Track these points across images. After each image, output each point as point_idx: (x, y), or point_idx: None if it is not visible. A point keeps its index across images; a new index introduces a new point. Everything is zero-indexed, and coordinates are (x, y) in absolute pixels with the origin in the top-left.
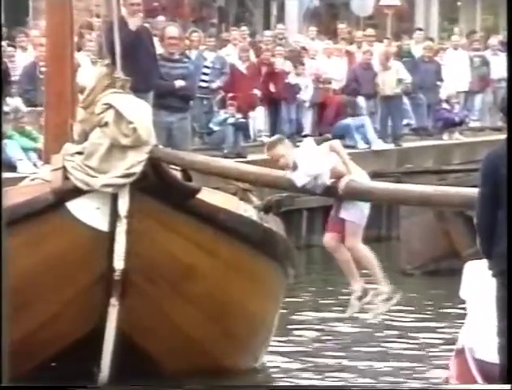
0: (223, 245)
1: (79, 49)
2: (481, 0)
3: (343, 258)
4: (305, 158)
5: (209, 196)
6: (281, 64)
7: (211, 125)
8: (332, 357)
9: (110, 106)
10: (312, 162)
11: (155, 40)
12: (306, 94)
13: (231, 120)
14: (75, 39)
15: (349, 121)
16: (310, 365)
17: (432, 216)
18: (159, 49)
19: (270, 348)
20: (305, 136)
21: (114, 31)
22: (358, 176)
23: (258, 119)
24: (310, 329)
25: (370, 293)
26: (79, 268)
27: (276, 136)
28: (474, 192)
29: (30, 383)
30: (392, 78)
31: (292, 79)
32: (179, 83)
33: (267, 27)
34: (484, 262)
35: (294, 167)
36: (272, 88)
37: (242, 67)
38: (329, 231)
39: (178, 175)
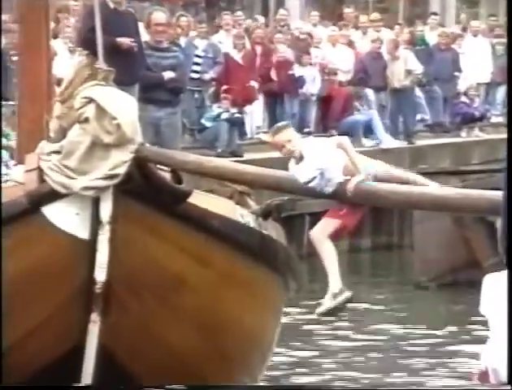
0: (217, 254)
1: (55, 36)
2: None
3: (329, 253)
4: (312, 150)
5: (201, 199)
6: (285, 52)
7: (203, 121)
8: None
9: (90, 100)
10: (321, 154)
11: (141, 26)
12: (313, 87)
13: (225, 115)
14: (51, 25)
15: (357, 117)
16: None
17: (450, 222)
18: (145, 37)
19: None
20: (309, 133)
21: (95, 16)
22: (376, 166)
23: (256, 113)
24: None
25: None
26: (56, 280)
27: (283, 122)
28: (499, 195)
29: (30, 383)
30: (400, 69)
31: (297, 70)
32: (167, 74)
33: (265, 12)
34: (506, 274)
35: (300, 158)
36: (274, 78)
37: (237, 56)
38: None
39: (167, 176)
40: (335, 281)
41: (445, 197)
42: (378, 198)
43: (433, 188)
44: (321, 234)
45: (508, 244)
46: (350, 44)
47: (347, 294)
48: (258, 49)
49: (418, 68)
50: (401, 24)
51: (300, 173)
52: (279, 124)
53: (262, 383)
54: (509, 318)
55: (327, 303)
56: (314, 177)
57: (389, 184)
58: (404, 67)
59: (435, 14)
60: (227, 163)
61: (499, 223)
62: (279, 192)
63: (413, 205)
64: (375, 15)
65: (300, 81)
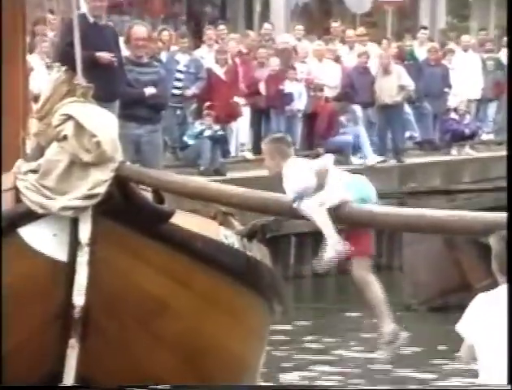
0: (200, 277)
1: (31, 51)
2: None
3: (375, 292)
4: (291, 171)
5: (184, 220)
6: (276, 65)
7: (185, 138)
8: None
9: (69, 117)
10: (298, 176)
11: (121, 40)
12: (300, 103)
13: (207, 133)
14: (27, 39)
15: (345, 138)
16: None
17: (440, 243)
18: (126, 52)
19: None
20: (294, 150)
21: (73, 30)
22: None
23: (240, 131)
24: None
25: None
26: (33, 304)
27: (280, 134)
28: (495, 217)
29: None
30: (392, 84)
31: (287, 86)
32: (149, 90)
33: (250, 26)
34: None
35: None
36: (263, 92)
37: (220, 71)
38: (357, 255)
39: (148, 196)
40: (387, 325)
41: (442, 219)
42: (374, 221)
43: (429, 211)
44: (363, 271)
45: (508, 244)
46: (337, 59)
47: (403, 335)
48: (238, 61)
49: (410, 84)
50: (388, 39)
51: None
52: (278, 134)
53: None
54: (509, 318)
55: (386, 350)
56: (296, 197)
57: (382, 206)
58: (397, 82)
59: (425, 28)
60: (211, 184)
61: (492, 240)
62: (266, 214)
63: (411, 227)
64: (362, 30)
65: (289, 97)
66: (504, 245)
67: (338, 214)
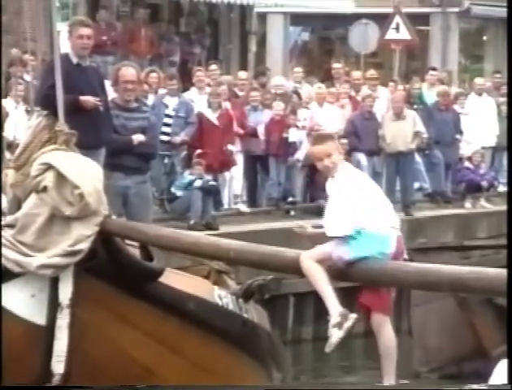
0: (192, 342)
1: (6, 95)
2: None
3: (389, 344)
4: (354, 181)
5: (174, 279)
6: (280, 110)
7: (174, 189)
8: None
9: (49, 167)
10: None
11: (106, 83)
12: (301, 152)
13: (198, 183)
14: (2, 81)
15: None
16: None
17: (453, 304)
18: (112, 95)
19: None
20: (294, 203)
21: (55, 72)
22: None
23: (234, 181)
24: None
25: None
26: (8, 371)
27: (326, 131)
28: None
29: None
30: (407, 130)
31: (292, 134)
32: (137, 137)
33: (244, 66)
34: None
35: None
36: (261, 137)
37: (212, 116)
38: (374, 307)
39: (136, 253)
40: (389, 380)
41: (462, 277)
42: (391, 279)
43: (448, 267)
44: (382, 318)
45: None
46: (352, 101)
47: (352, 316)
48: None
49: (423, 130)
50: (395, 81)
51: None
52: (322, 133)
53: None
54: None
55: (336, 335)
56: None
57: (400, 261)
58: (412, 128)
59: (434, 69)
60: (206, 238)
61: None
62: (265, 270)
63: (430, 285)
64: (372, 73)
65: (292, 146)
66: None
67: (349, 272)
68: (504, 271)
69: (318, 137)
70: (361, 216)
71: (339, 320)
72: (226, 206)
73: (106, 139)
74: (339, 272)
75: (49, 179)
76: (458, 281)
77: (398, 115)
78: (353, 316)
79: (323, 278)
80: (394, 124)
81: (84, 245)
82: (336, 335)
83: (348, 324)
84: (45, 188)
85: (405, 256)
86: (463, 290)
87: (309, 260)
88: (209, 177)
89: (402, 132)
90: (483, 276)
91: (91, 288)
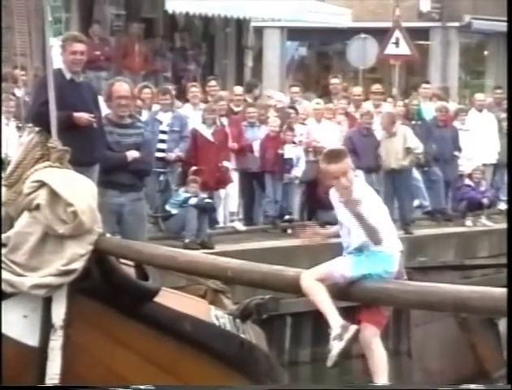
0: (188, 363)
1: None
2: None
3: (380, 361)
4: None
5: (170, 299)
6: (276, 126)
7: (168, 207)
8: None
9: (42, 184)
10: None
11: (100, 99)
12: (298, 169)
13: (193, 201)
14: None
15: None
16: None
17: (453, 325)
18: (106, 111)
19: None
20: (291, 221)
21: (48, 87)
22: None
23: (229, 198)
24: None
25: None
26: None
27: (339, 147)
28: None
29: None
30: (397, 147)
31: (288, 150)
32: (131, 154)
33: (240, 82)
34: None
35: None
36: (256, 154)
37: (207, 132)
38: (366, 322)
39: (131, 272)
40: (334, 322)
41: (465, 297)
42: (391, 298)
43: (450, 286)
44: (372, 331)
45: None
46: (350, 118)
47: (353, 327)
48: (226, 121)
49: (418, 146)
50: (394, 97)
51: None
52: (336, 148)
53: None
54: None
55: (336, 346)
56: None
57: (400, 281)
58: (403, 144)
59: (427, 82)
60: (203, 257)
61: (502, 324)
62: (264, 289)
63: (431, 305)
64: (377, 87)
65: (289, 163)
66: None
67: (350, 291)
68: (508, 291)
69: (333, 155)
70: None
71: (339, 332)
72: (221, 225)
73: (100, 156)
74: (338, 291)
75: (42, 196)
76: (461, 301)
77: (389, 132)
78: (354, 327)
79: (324, 293)
80: (387, 141)
81: (78, 265)
82: (336, 347)
83: (348, 335)
84: (37, 206)
85: (405, 276)
86: (466, 310)
87: (309, 278)
88: (204, 195)
89: (393, 148)
90: (486, 296)
91: (85, 308)
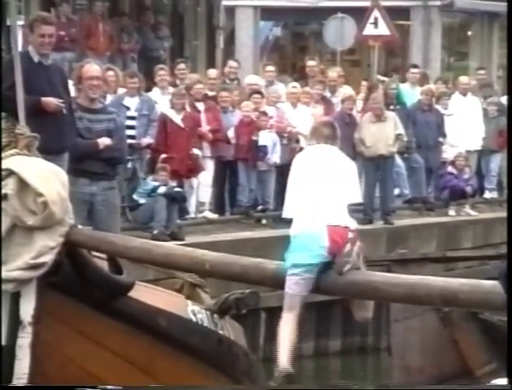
0: (164, 361)
1: None
2: (499, 29)
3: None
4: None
5: (145, 293)
6: (249, 110)
7: (136, 196)
8: None
9: (10, 173)
10: None
11: (70, 83)
12: (275, 156)
13: (162, 190)
14: None
15: None
16: None
17: (435, 319)
18: (76, 96)
19: None
20: (264, 210)
21: (15, 70)
22: None
23: (201, 188)
24: None
25: None
26: None
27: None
28: None
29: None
30: (389, 133)
31: (262, 137)
32: (103, 141)
33: (211, 64)
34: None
35: None
36: (232, 142)
37: (177, 117)
38: None
39: (104, 265)
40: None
41: (454, 290)
42: (378, 292)
43: (438, 279)
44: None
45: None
46: (326, 102)
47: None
48: (201, 107)
49: (403, 133)
50: (370, 80)
51: None
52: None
53: None
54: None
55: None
56: None
57: (387, 274)
58: (394, 130)
59: (415, 66)
60: (180, 249)
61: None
62: (245, 282)
63: (419, 300)
64: (337, 69)
65: (263, 150)
66: None
67: (337, 285)
68: (499, 284)
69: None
70: None
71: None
72: (192, 215)
73: (70, 143)
74: (324, 285)
75: (9, 186)
76: (451, 294)
77: (379, 117)
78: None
79: (287, 330)
80: (374, 126)
81: (48, 258)
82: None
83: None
84: (5, 196)
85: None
86: (456, 304)
87: (284, 314)
88: (174, 184)
89: (383, 134)
90: (477, 289)
91: (55, 303)
